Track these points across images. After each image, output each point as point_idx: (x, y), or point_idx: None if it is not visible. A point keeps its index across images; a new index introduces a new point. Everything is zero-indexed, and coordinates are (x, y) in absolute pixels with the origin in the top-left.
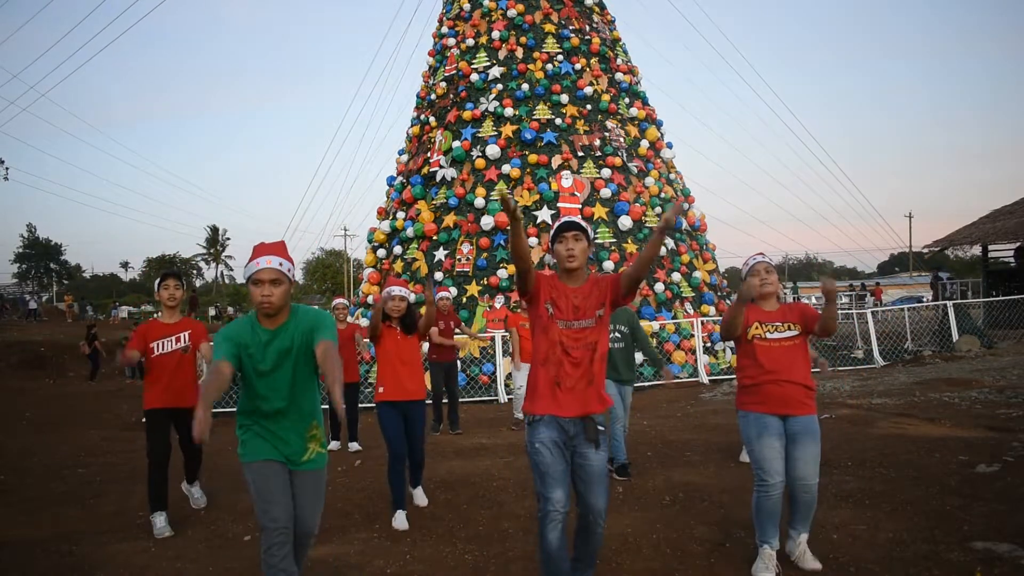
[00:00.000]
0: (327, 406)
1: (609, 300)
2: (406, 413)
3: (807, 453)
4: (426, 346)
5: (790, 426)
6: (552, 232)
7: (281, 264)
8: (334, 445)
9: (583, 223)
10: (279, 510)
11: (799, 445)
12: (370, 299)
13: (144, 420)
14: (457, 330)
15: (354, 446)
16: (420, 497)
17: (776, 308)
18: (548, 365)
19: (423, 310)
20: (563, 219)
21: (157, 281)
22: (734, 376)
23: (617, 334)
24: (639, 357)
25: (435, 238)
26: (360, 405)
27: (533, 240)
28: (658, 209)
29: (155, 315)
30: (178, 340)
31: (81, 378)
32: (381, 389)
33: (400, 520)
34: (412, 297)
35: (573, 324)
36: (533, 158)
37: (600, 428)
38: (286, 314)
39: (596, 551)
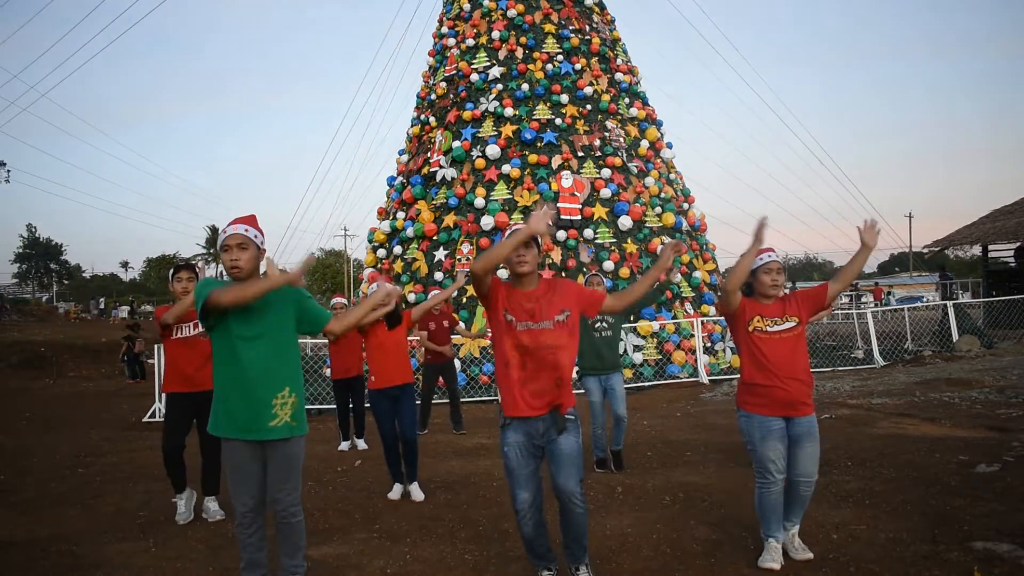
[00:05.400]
0: (328, 405)
1: (576, 311)
2: (395, 397)
3: (808, 453)
4: (423, 348)
5: (793, 428)
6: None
7: (247, 230)
8: (344, 446)
9: None
10: (246, 495)
11: (802, 447)
12: None
13: (164, 404)
14: (454, 330)
15: (361, 444)
16: (416, 492)
17: (773, 302)
18: (511, 368)
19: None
20: (514, 228)
21: (171, 273)
22: (734, 376)
23: (604, 323)
24: (639, 358)
25: (435, 238)
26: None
27: None
28: (658, 209)
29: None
30: (196, 325)
31: (82, 377)
32: (373, 378)
33: (395, 492)
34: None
35: (530, 325)
36: (533, 158)
37: (569, 418)
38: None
39: (582, 535)
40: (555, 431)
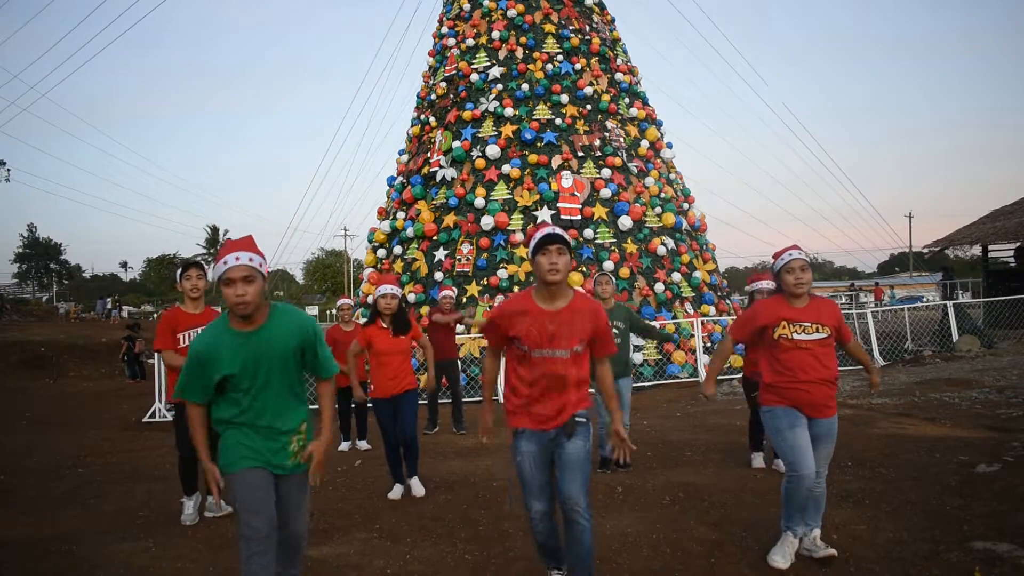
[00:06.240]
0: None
1: (588, 341)
2: (397, 403)
3: (824, 451)
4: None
5: (813, 427)
6: (534, 243)
7: (251, 259)
8: (344, 446)
9: (567, 236)
10: (262, 521)
11: (819, 445)
12: (370, 299)
13: (173, 413)
14: (459, 326)
15: (363, 444)
16: (417, 487)
17: (806, 304)
18: (519, 390)
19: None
20: (547, 231)
21: (179, 272)
22: (734, 376)
23: (614, 330)
24: (638, 358)
25: (435, 238)
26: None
27: None
28: (658, 209)
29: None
30: None
31: (82, 377)
32: (373, 387)
33: (396, 492)
34: (401, 294)
35: (546, 353)
36: (533, 158)
37: (580, 421)
38: (265, 313)
39: (587, 556)
40: (564, 436)
